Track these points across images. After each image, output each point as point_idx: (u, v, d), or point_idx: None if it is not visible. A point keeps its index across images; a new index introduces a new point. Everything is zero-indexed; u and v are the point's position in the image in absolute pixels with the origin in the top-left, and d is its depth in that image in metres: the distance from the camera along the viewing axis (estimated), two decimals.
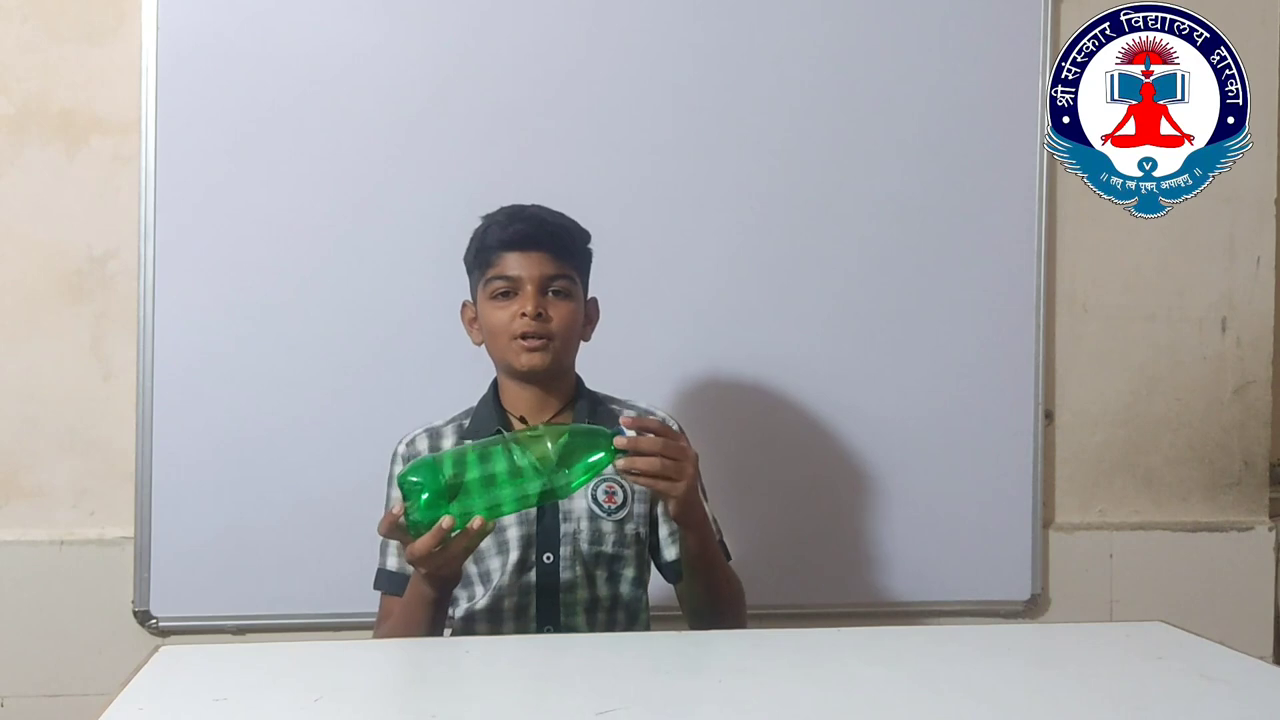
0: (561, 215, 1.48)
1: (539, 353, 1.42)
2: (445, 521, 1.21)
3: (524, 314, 1.40)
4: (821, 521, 2.00)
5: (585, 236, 1.50)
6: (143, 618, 1.88)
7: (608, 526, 1.44)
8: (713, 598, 1.45)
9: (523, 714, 1.05)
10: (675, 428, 1.49)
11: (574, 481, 1.25)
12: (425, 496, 1.21)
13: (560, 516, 1.43)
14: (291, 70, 1.90)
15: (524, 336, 1.41)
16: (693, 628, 1.48)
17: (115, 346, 1.90)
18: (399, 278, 1.89)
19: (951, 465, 2.01)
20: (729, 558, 1.50)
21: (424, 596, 1.34)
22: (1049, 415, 2.07)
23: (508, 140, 1.92)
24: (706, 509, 1.42)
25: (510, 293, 1.43)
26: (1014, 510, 2.03)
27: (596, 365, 1.54)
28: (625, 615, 1.47)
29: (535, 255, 1.42)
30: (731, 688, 1.10)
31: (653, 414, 1.52)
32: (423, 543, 1.22)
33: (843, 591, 2.00)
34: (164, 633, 1.88)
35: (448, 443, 1.49)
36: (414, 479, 1.22)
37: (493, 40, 1.93)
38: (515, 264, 1.42)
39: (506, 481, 1.22)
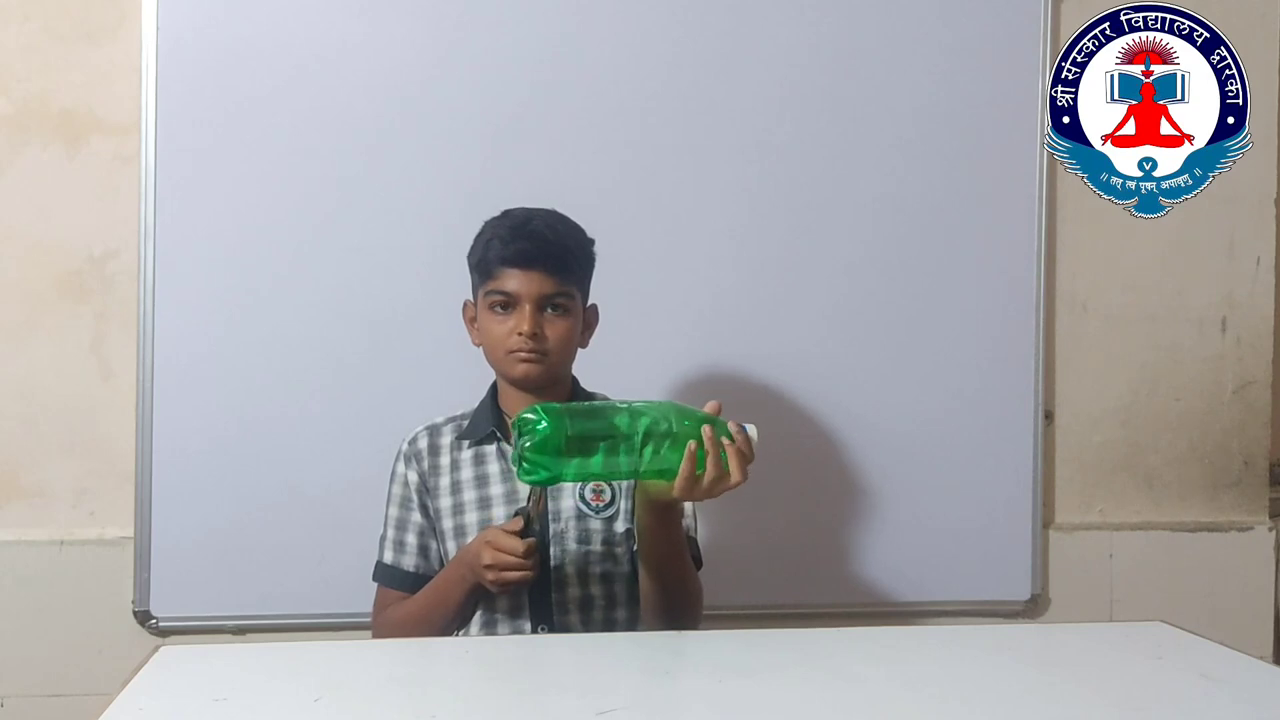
0: (565, 226, 1.47)
1: (533, 365, 1.43)
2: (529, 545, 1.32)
3: (520, 332, 1.42)
4: (821, 522, 2.00)
5: (588, 246, 1.50)
6: (142, 618, 1.88)
7: (596, 524, 1.45)
8: (666, 590, 1.42)
9: (523, 714, 1.06)
10: None
11: (670, 464, 1.25)
12: (539, 439, 1.21)
13: (549, 516, 1.45)
14: (292, 70, 1.89)
15: (519, 350, 1.43)
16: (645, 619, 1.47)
17: (115, 347, 1.90)
18: (399, 277, 1.89)
19: (951, 465, 2.01)
20: (700, 564, 1.50)
21: (465, 581, 1.38)
22: (1049, 415, 2.07)
23: (508, 141, 1.92)
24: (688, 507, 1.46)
25: (508, 306, 1.44)
26: (1014, 510, 2.03)
27: (593, 367, 1.55)
28: (622, 611, 1.47)
29: (535, 274, 1.42)
30: (731, 688, 1.10)
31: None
32: (515, 576, 1.32)
33: (842, 591, 2.00)
34: (164, 633, 1.88)
35: (446, 439, 1.52)
36: (530, 415, 1.22)
37: (493, 41, 1.92)
38: (514, 281, 1.43)
39: (610, 445, 1.23)
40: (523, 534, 1.34)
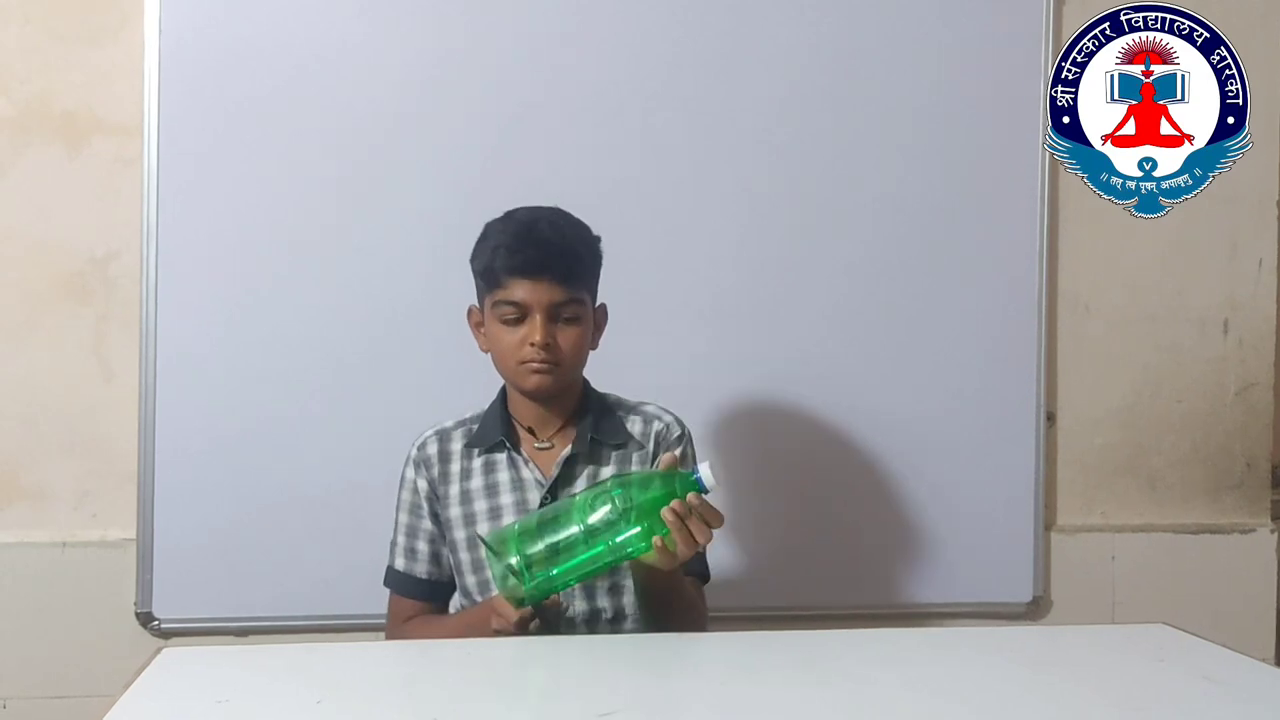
0: (571, 228, 1.44)
1: (546, 375, 1.41)
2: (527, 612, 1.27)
3: (532, 342, 1.39)
4: (823, 523, 2.00)
5: (595, 246, 1.47)
6: (145, 619, 1.88)
7: None
8: (671, 621, 1.40)
9: (524, 715, 1.06)
10: (680, 432, 1.50)
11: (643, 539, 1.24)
12: (499, 576, 1.24)
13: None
14: (293, 71, 1.89)
15: (531, 361, 1.40)
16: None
17: (117, 348, 1.90)
18: (401, 278, 1.89)
19: (953, 467, 2.01)
20: (707, 579, 1.49)
21: (485, 623, 1.32)
22: (1051, 417, 2.07)
23: (510, 140, 1.92)
24: None
25: (518, 319, 1.40)
26: (1016, 512, 2.03)
27: (603, 367, 1.54)
28: (629, 625, 1.46)
29: (544, 283, 1.39)
30: (732, 689, 1.10)
31: (662, 416, 1.52)
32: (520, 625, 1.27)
33: (844, 593, 2.00)
34: (166, 634, 1.88)
35: (456, 445, 1.50)
36: (510, 561, 1.22)
37: (494, 40, 1.93)
38: (523, 290, 1.39)
39: (583, 544, 1.22)
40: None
